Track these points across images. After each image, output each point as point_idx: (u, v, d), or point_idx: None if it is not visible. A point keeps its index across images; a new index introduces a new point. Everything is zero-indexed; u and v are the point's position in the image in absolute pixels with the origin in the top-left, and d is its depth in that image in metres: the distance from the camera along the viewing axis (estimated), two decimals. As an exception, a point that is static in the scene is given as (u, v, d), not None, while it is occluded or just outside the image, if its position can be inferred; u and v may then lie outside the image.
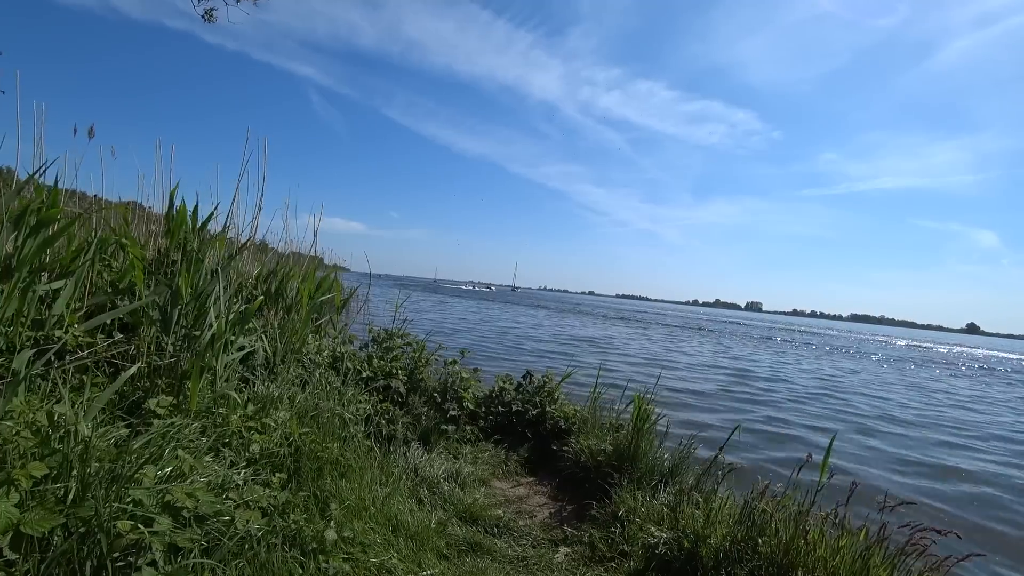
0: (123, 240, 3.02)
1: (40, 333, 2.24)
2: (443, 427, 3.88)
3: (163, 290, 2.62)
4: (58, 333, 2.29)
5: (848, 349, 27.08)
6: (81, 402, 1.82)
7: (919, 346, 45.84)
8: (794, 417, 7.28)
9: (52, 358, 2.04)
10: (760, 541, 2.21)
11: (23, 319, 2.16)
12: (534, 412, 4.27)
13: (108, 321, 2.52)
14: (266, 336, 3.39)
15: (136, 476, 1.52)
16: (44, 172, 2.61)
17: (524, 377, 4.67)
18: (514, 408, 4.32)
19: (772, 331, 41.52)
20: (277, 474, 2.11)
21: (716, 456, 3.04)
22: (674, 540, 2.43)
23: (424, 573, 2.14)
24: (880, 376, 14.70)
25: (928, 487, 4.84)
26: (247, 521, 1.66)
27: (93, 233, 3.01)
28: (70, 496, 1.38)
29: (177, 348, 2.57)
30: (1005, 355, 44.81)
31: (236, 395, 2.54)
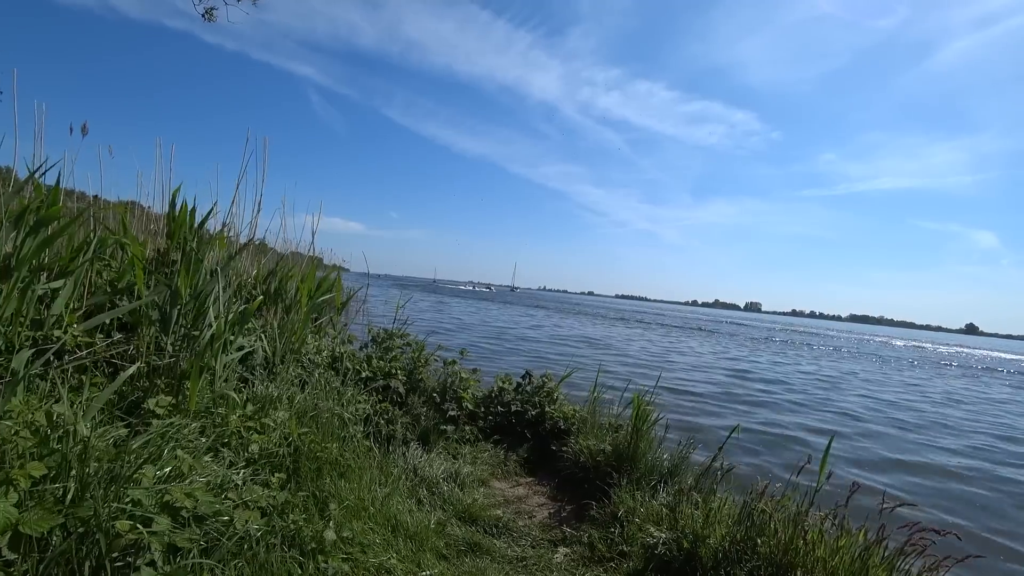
0: (123, 240, 3.02)
1: (39, 333, 2.24)
2: (442, 427, 3.88)
3: (162, 290, 2.62)
4: (57, 333, 2.29)
5: (847, 349, 27.10)
6: (80, 402, 1.82)
7: (919, 346, 45.89)
8: (793, 418, 7.29)
9: (51, 358, 2.04)
10: (759, 541, 2.21)
11: (22, 319, 2.16)
12: (533, 412, 4.27)
13: (107, 321, 2.51)
14: (265, 336, 3.39)
15: (135, 476, 1.52)
16: (45, 172, 2.61)
17: (523, 377, 4.67)
18: (513, 408, 4.32)
19: (771, 331, 41.55)
20: (276, 474, 2.11)
21: (715, 456, 3.04)
22: (673, 540, 2.43)
23: (423, 573, 2.14)
24: (879, 377, 14.71)
25: (928, 487, 4.85)
26: (246, 521, 1.65)
27: (92, 233, 3.01)
28: (69, 496, 1.38)
29: (176, 348, 2.57)
30: (1005, 356, 44.86)
31: (235, 395, 2.54)
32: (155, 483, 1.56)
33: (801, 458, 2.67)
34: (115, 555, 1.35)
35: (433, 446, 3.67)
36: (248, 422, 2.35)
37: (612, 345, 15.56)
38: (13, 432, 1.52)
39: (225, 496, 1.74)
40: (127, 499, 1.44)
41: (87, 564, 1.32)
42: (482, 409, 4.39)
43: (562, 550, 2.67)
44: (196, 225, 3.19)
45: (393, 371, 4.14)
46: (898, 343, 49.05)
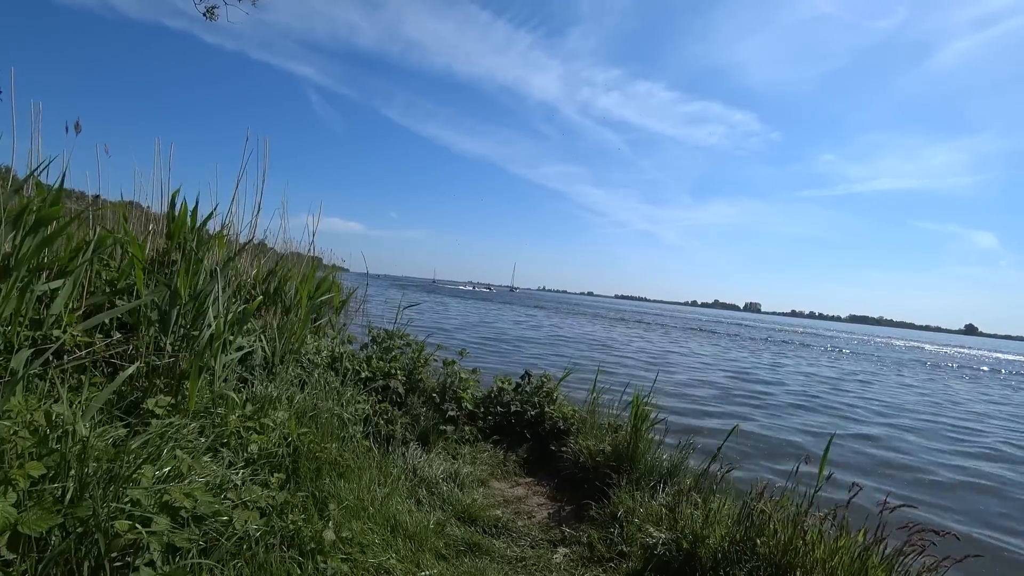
0: (122, 240, 3.01)
1: (38, 333, 2.24)
2: (442, 427, 3.88)
3: (162, 290, 2.62)
4: (56, 333, 2.29)
5: (847, 350, 27.10)
6: (79, 402, 1.82)
7: (919, 347, 45.91)
8: (793, 419, 7.29)
9: (50, 358, 2.03)
10: (759, 542, 2.21)
11: (21, 318, 2.16)
12: (533, 412, 4.27)
13: (106, 321, 2.51)
14: (265, 336, 3.39)
15: (134, 476, 1.52)
16: (45, 170, 2.61)
17: (523, 377, 4.67)
18: (513, 408, 4.32)
19: (771, 332, 41.56)
20: (275, 474, 2.10)
21: (714, 456, 3.04)
22: (673, 540, 2.43)
23: (423, 573, 2.14)
24: (879, 377, 14.71)
25: (928, 488, 4.85)
26: (245, 521, 1.65)
27: (91, 232, 3.01)
28: (68, 496, 1.37)
29: (175, 348, 2.56)
30: (1004, 356, 44.86)
31: (234, 395, 2.54)
32: (154, 483, 1.56)
33: (799, 458, 2.67)
34: (114, 555, 1.35)
35: (432, 446, 3.67)
36: (247, 422, 2.35)
37: (611, 346, 15.55)
38: (12, 432, 1.52)
39: (224, 496, 1.74)
40: (126, 499, 1.44)
41: (86, 564, 1.31)
42: (481, 409, 4.39)
43: (561, 550, 2.67)
44: (196, 226, 3.19)
45: (393, 371, 4.14)
46: (898, 343, 49.07)
